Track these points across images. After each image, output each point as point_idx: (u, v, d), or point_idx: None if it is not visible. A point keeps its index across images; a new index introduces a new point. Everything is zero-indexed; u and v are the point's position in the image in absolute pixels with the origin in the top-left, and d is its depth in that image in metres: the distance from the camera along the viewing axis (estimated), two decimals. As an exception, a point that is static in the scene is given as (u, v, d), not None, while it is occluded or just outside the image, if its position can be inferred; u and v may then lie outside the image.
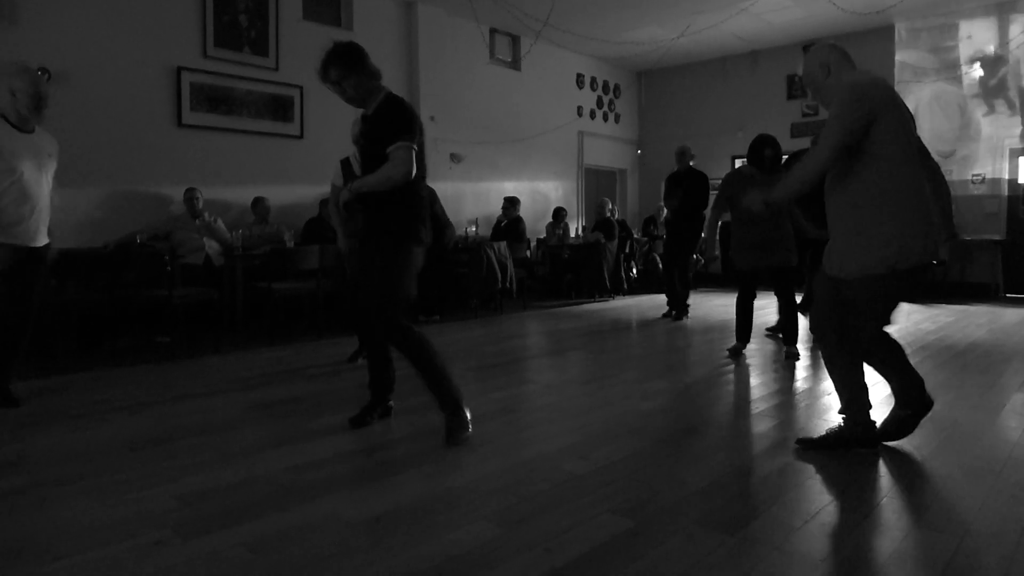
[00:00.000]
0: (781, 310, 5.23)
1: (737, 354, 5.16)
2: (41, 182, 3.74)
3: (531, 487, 2.57)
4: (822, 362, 4.97)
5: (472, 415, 3.35)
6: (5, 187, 3.58)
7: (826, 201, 2.86)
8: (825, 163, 2.69)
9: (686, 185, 7.32)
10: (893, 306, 2.83)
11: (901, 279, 2.67)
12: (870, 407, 2.95)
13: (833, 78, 2.83)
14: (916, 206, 2.65)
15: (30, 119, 3.69)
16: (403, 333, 3.09)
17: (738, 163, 11.33)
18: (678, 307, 7.48)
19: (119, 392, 4.10)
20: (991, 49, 9.38)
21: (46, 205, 3.80)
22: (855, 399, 2.93)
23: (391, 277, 3.08)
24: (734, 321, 5.26)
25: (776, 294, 5.15)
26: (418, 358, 3.12)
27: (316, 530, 2.21)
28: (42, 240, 3.82)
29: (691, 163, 7.49)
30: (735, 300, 5.25)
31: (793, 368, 4.73)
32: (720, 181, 5.31)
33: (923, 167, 2.81)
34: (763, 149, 4.86)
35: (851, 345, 2.87)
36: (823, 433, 3.02)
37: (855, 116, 2.60)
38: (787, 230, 4.95)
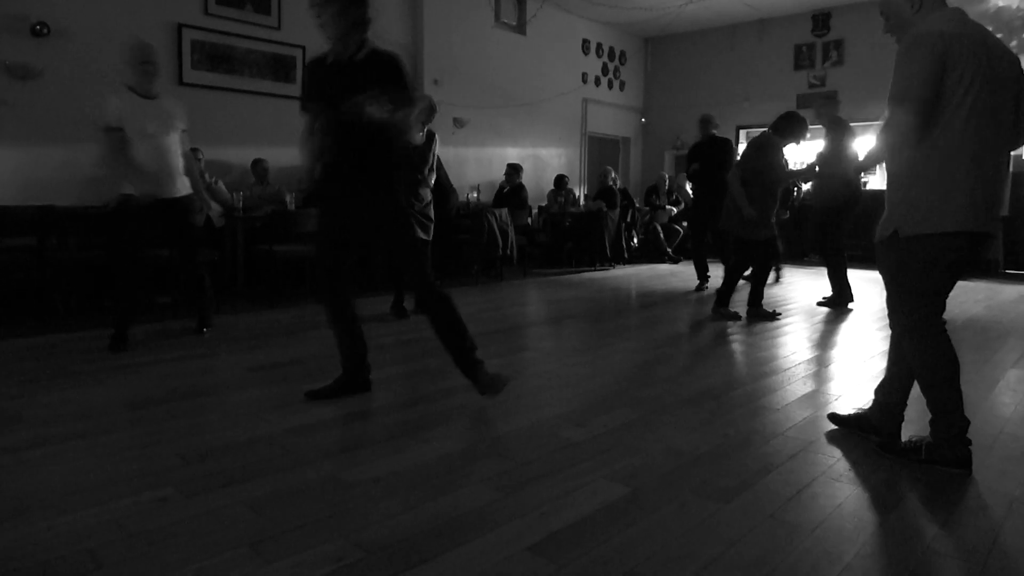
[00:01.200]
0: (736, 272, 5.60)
1: (736, 317, 5.45)
2: (169, 141, 4.24)
3: (528, 453, 2.60)
4: (819, 333, 5.05)
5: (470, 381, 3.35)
6: (140, 147, 4.13)
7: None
8: (904, 123, 2.32)
9: (711, 152, 7.20)
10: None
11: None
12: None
13: (920, 16, 2.42)
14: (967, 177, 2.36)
15: (149, 86, 4.18)
16: (438, 294, 3.10)
17: (743, 133, 11.25)
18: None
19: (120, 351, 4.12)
20: (999, 18, 9.24)
21: (177, 161, 4.31)
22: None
23: (415, 238, 3.12)
24: (738, 290, 5.32)
25: (736, 258, 5.59)
26: (449, 316, 3.11)
27: (316, 491, 2.25)
28: (178, 192, 4.34)
29: (714, 131, 7.37)
30: (729, 268, 5.63)
31: (792, 338, 4.76)
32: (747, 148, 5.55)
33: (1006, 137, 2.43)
34: (805, 131, 5.31)
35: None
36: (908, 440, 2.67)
37: (923, 65, 2.27)
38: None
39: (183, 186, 4.36)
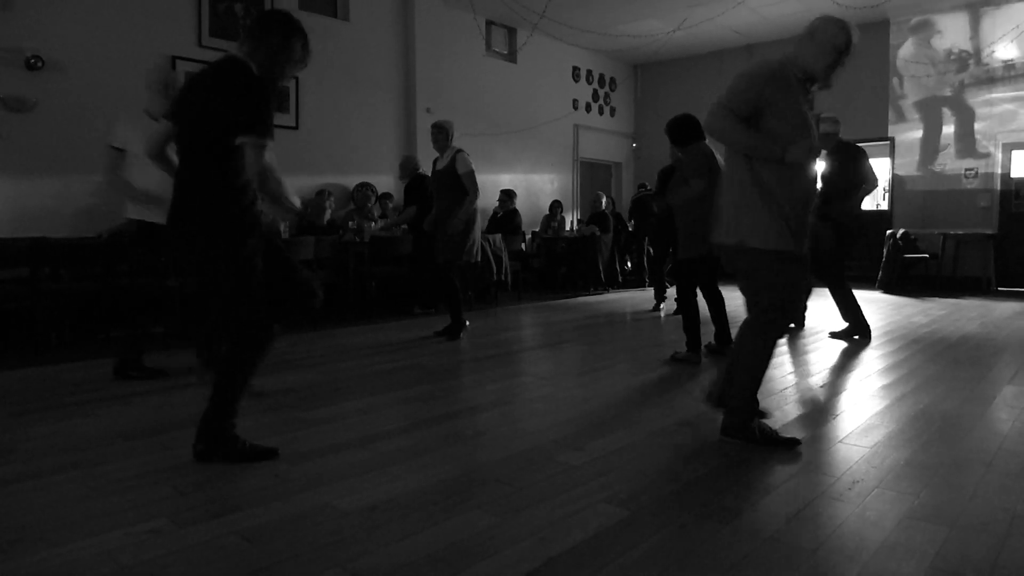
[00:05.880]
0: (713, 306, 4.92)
1: (696, 363, 4.68)
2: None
3: (526, 478, 2.58)
4: (814, 354, 5.04)
5: (466, 407, 3.32)
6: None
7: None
8: None
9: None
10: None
11: None
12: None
13: None
14: None
15: (162, 109, 4.12)
16: (250, 348, 2.76)
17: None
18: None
19: (113, 382, 4.09)
20: (986, 40, 9.40)
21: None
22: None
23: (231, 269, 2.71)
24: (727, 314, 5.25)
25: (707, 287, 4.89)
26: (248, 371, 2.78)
27: (311, 519, 2.22)
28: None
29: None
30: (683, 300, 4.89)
31: (786, 359, 4.76)
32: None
33: None
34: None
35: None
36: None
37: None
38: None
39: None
